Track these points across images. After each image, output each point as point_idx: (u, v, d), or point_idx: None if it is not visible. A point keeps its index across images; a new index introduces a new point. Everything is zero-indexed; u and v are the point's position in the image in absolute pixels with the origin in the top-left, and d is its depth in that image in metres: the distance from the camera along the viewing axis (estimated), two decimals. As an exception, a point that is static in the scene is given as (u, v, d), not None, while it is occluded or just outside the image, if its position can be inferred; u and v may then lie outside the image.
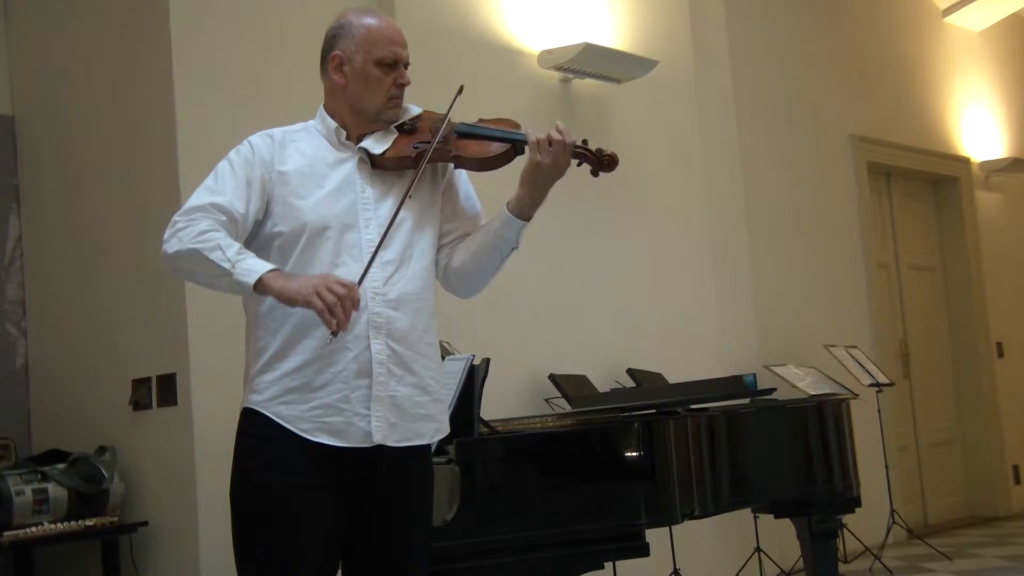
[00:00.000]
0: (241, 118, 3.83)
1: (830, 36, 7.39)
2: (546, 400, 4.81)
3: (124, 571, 4.14)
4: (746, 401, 4.11)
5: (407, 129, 2.50)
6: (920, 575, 5.98)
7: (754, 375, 3.81)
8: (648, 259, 5.52)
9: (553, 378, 4.76)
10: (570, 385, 4.72)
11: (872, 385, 6.33)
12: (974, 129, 8.47)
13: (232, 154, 2.45)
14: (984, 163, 8.47)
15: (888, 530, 6.47)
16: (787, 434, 4.14)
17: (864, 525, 6.10)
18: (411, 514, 2.45)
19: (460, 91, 2.47)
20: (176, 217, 2.35)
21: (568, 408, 4.36)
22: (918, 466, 7.72)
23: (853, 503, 4.38)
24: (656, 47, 5.61)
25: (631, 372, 5.08)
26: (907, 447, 7.64)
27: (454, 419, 2.82)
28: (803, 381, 5.58)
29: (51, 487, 4.03)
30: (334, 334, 2.23)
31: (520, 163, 2.48)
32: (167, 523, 4.10)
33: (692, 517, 3.52)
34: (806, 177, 6.95)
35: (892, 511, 6.49)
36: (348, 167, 2.46)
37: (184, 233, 2.31)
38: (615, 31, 5.52)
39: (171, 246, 2.33)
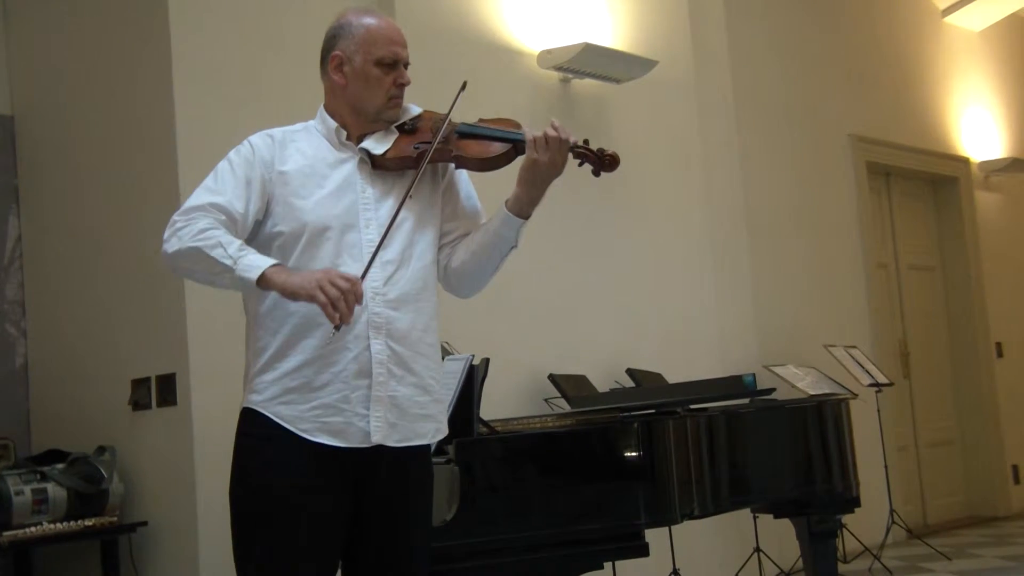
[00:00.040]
0: (241, 118, 3.82)
1: (830, 36, 7.39)
2: (546, 400, 4.81)
3: (123, 571, 4.14)
4: (746, 401, 4.11)
5: (408, 129, 2.50)
6: (919, 575, 5.98)
7: (754, 375, 3.82)
8: (648, 259, 5.52)
9: (553, 378, 4.76)
10: (570, 385, 4.72)
11: (872, 385, 6.33)
12: (973, 129, 8.47)
13: (232, 154, 2.45)
14: (983, 163, 8.47)
15: (887, 530, 6.46)
16: (786, 434, 4.14)
17: (863, 525, 6.10)
18: (411, 514, 2.44)
19: (464, 87, 2.46)
20: (175, 217, 2.35)
21: (568, 408, 4.36)
22: (917, 466, 7.72)
23: (852, 503, 4.38)
24: (656, 47, 5.60)
25: (631, 372, 5.08)
26: (906, 447, 7.64)
27: (453, 419, 2.82)
28: (803, 381, 5.58)
29: (50, 487, 4.03)
30: (337, 328, 2.22)
31: (520, 162, 2.48)
32: (167, 523, 4.10)
33: (691, 517, 3.52)
34: (806, 177, 6.95)
35: (891, 511, 6.48)
36: (348, 167, 2.46)
37: (184, 232, 2.31)
38: (615, 31, 5.52)
39: (171, 245, 2.32)
